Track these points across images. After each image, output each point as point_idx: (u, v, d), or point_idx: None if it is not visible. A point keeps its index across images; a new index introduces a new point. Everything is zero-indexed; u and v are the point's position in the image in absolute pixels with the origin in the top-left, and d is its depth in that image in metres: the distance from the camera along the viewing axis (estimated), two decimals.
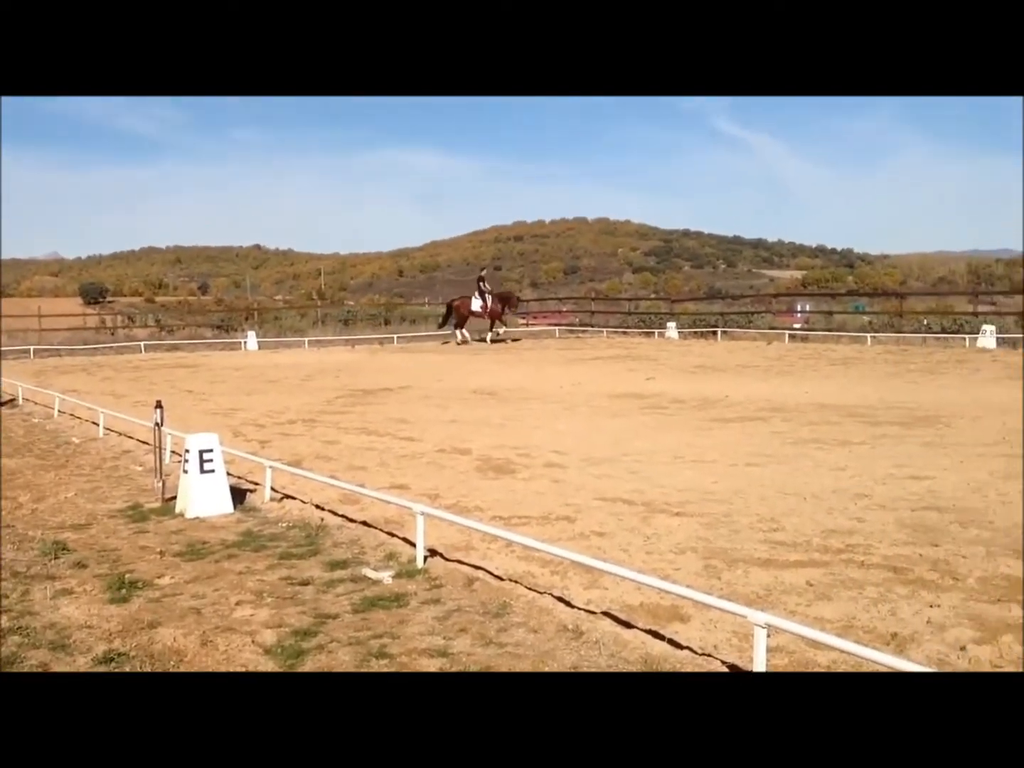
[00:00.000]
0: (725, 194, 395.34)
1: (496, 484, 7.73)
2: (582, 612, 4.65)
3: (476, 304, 27.44)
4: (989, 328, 22.10)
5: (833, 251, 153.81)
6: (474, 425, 11.15)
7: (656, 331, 29.69)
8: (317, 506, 7.07)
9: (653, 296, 67.17)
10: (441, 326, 29.03)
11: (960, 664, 3.90)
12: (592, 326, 33.64)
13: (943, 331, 23.94)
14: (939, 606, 4.55)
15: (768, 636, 3.79)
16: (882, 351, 21.78)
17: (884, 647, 3.99)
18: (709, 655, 4.08)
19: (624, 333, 31.20)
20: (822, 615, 4.48)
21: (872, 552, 5.50)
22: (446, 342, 28.21)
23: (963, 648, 4.03)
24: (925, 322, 25.59)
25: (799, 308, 37.17)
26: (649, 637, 4.30)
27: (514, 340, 28.60)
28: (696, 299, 51.60)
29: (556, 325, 34.81)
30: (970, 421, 10.45)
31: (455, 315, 27.89)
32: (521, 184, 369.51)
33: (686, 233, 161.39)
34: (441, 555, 5.70)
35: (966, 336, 22.51)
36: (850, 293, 61.35)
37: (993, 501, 6.64)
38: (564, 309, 40.74)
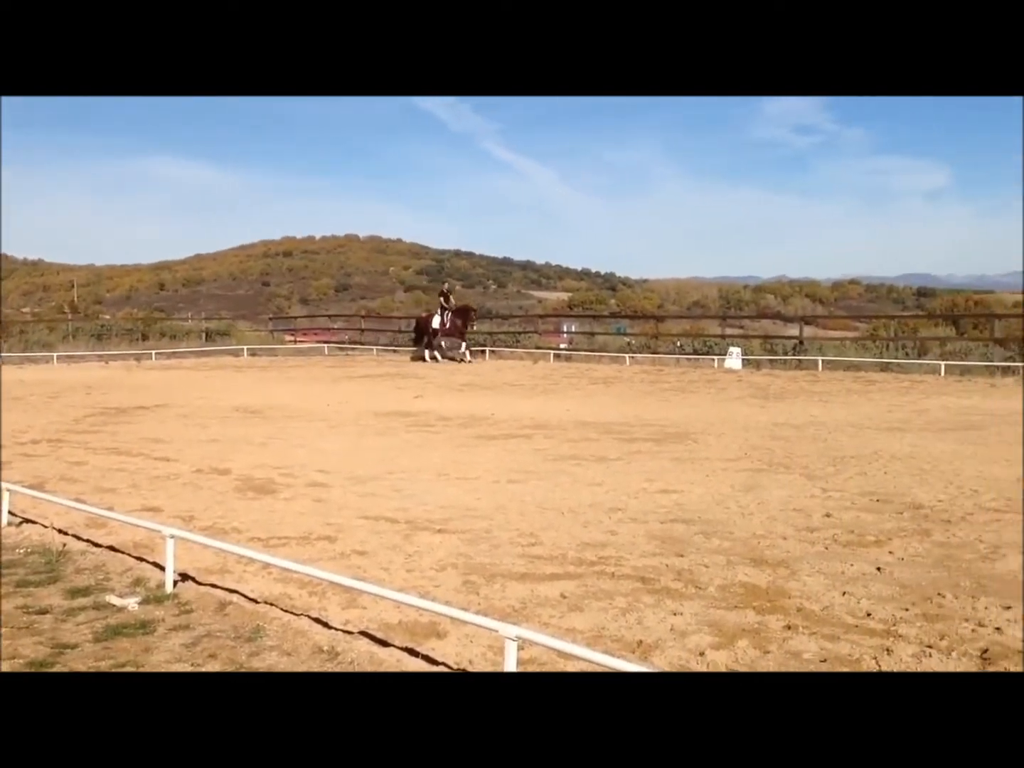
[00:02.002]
0: (495, 216, 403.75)
1: (255, 504, 7.53)
2: (339, 632, 4.58)
3: (436, 321, 26.19)
4: (735, 350, 23.55)
5: (597, 274, 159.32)
6: (235, 444, 10.82)
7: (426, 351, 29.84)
8: (60, 531, 6.65)
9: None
10: (415, 344, 27.71)
11: (699, 669, 4.11)
12: (362, 344, 33.47)
13: (695, 352, 25.30)
14: (682, 614, 4.78)
15: (521, 649, 3.86)
16: (639, 371, 22.79)
17: (630, 655, 4.15)
18: (464, 670, 4.12)
19: (395, 351, 31.18)
20: (574, 626, 4.61)
21: (623, 564, 5.72)
22: (414, 359, 26.95)
23: (702, 653, 4.24)
24: (679, 344, 26.94)
25: (565, 328, 38.33)
26: (405, 655, 4.29)
27: (463, 361, 26.07)
28: None
29: (325, 342, 34.37)
30: (716, 437, 11.08)
31: (421, 332, 26.75)
32: (290, 199, 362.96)
33: (457, 253, 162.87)
34: (193, 579, 5.48)
35: (715, 357, 23.89)
36: (612, 315, 64.02)
37: (734, 513, 7.05)
38: (334, 326, 40.30)
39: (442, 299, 26.98)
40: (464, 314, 26.50)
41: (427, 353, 26.28)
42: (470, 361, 26.03)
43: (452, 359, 26.17)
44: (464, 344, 26.49)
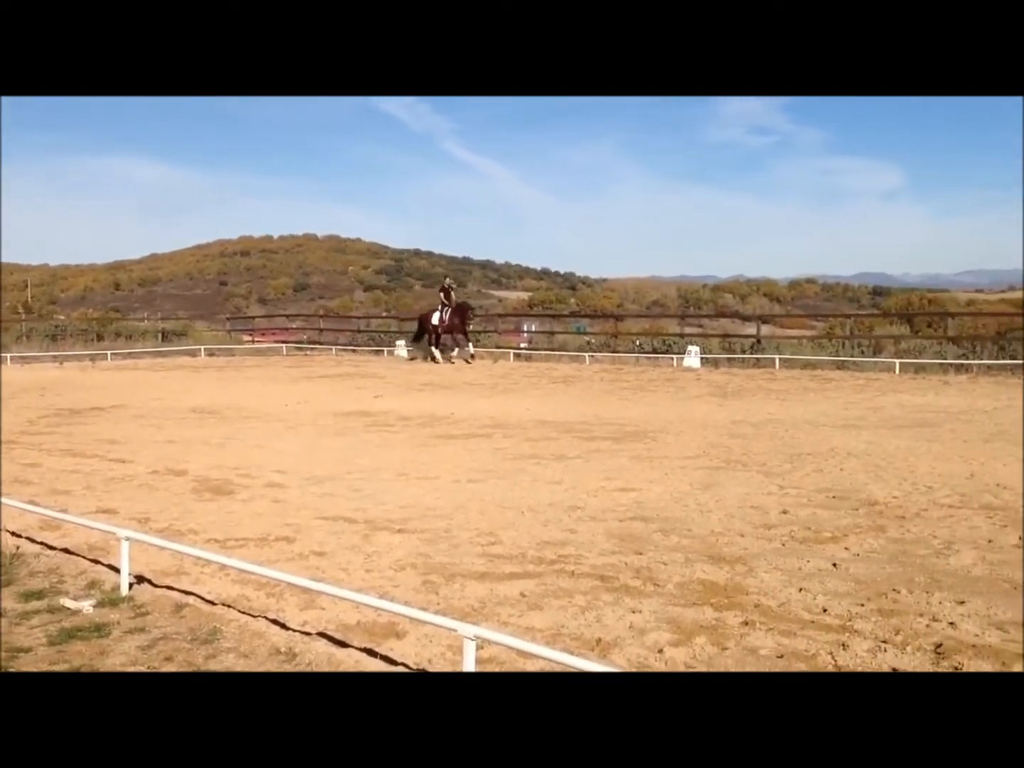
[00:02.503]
0: (455, 216, 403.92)
1: (212, 506, 7.46)
2: (297, 634, 4.55)
3: (436, 317, 25.31)
4: (694, 349, 23.69)
5: (557, 274, 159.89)
6: (191, 445, 10.71)
7: (386, 349, 29.77)
8: (13, 533, 6.54)
9: (384, 314, 67.43)
10: (415, 341, 26.72)
11: (657, 666, 4.12)
12: (321, 344, 33.28)
13: (654, 351, 25.40)
14: (641, 611, 4.80)
15: (480, 648, 3.86)
16: (599, 370, 22.86)
17: (589, 653, 4.16)
18: (423, 670, 4.11)
19: (354, 351, 31.08)
20: (533, 625, 4.61)
21: (582, 562, 5.73)
22: (413, 358, 26.28)
23: (660, 651, 4.26)
24: (638, 342, 27.05)
25: (525, 328, 38.36)
26: (364, 655, 4.27)
27: (451, 361, 25.10)
28: None
29: (284, 342, 34.14)
30: (675, 436, 11.13)
31: (423, 329, 25.79)
32: (248, 198, 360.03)
33: (417, 253, 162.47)
34: (149, 581, 5.42)
35: (674, 356, 24.02)
36: (572, 314, 64.29)
37: (692, 510, 7.09)
38: (292, 326, 40.05)
39: (442, 295, 26.08)
40: (462, 312, 25.54)
41: (434, 352, 25.37)
42: (459, 361, 25.13)
43: (450, 360, 25.22)
44: (465, 341, 25.63)
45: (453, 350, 25.47)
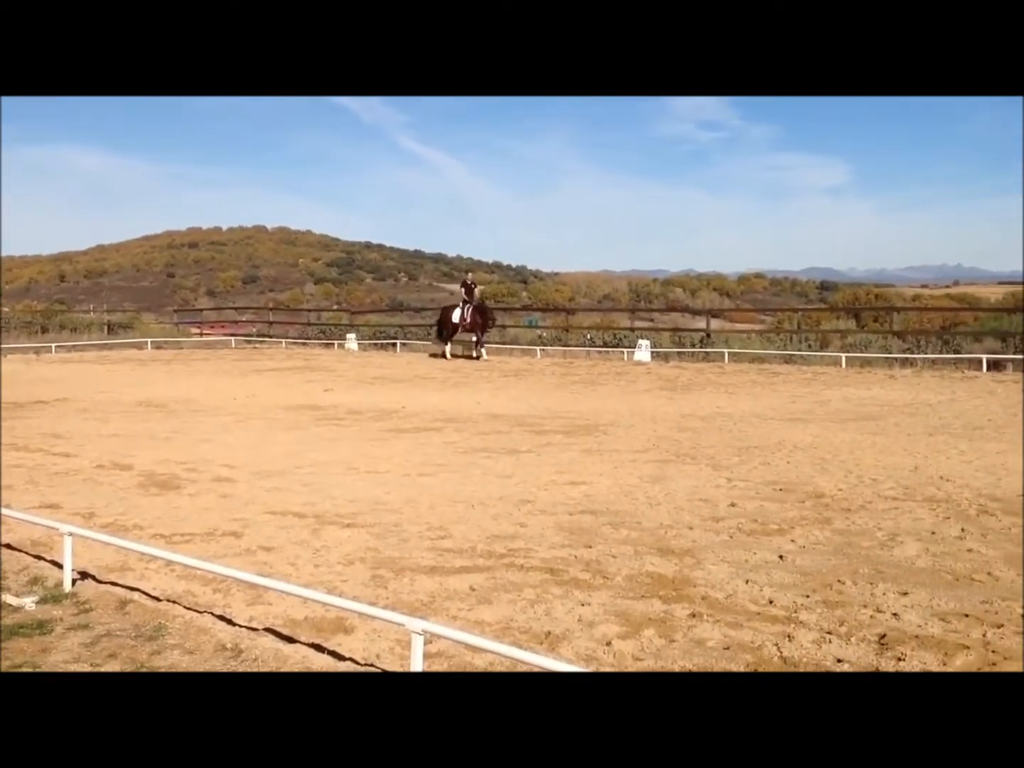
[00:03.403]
0: (407, 208, 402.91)
1: (159, 501, 7.36)
2: (243, 629, 4.51)
3: (456, 315, 23.99)
4: (644, 343, 23.79)
5: (509, 267, 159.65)
6: (138, 439, 10.57)
7: (336, 342, 29.59)
8: None
9: (335, 307, 67.09)
10: (439, 338, 25.16)
11: (606, 659, 4.14)
12: (271, 337, 33.02)
13: (605, 345, 25.48)
14: (590, 604, 4.81)
15: (429, 643, 3.85)
16: (551, 363, 22.91)
17: (538, 646, 4.17)
18: (371, 664, 4.09)
19: (304, 344, 30.86)
20: (483, 619, 4.61)
21: (532, 555, 5.73)
22: (433, 355, 25.16)
23: (609, 643, 4.28)
24: (589, 336, 27.11)
25: None
26: (312, 651, 4.24)
27: (480, 358, 23.88)
28: (378, 311, 52.29)
29: (233, 335, 33.83)
30: (625, 429, 11.19)
31: (444, 326, 24.43)
32: (196, 189, 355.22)
33: (368, 245, 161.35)
34: (93, 577, 5.34)
35: (625, 350, 24.12)
36: (524, 308, 64.23)
37: (642, 503, 7.13)
38: (242, 319, 39.68)
39: (463, 290, 24.73)
40: (483, 311, 24.24)
41: (447, 349, 24.35)
42: (487, 359, 23.93)
43: (469, 357, 24.21)
44: (482, 341, 24.36)
45: (477, 347, 24.30)
